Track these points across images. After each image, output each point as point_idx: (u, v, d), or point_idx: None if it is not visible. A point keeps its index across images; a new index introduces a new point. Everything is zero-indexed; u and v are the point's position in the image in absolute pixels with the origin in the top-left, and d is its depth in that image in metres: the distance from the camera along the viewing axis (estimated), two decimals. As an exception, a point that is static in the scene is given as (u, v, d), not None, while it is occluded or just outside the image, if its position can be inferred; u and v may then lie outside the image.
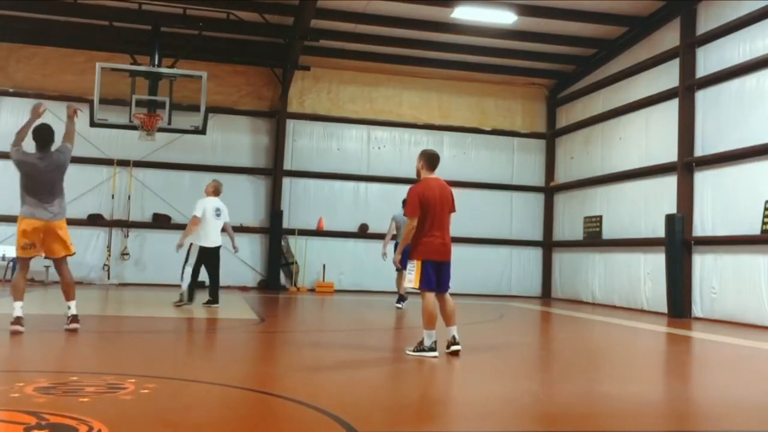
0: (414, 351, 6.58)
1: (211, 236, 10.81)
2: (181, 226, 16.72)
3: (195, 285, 10.99)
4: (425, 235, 6.60)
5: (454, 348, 6.59)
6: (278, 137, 17.38)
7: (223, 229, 10.97)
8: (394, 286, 17.17)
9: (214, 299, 11.00)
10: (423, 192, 6.69)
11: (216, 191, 11.07)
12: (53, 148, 7.55)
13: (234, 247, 11.43)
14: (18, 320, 6.96)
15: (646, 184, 14.57)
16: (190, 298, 10.89)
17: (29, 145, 7.42)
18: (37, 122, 7.61)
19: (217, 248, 10.92)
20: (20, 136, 7.57)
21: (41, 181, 7.32)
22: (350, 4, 14.51)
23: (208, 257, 10.84)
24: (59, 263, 7.40)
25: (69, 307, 7.28)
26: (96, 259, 16.60)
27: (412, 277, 6.62)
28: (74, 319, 7.21)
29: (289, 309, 12.67)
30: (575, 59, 17.15)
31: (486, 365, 6.55)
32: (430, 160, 7.03)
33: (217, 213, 10.82)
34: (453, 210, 6.88)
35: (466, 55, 16.90)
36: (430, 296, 6.62)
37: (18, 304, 7.06)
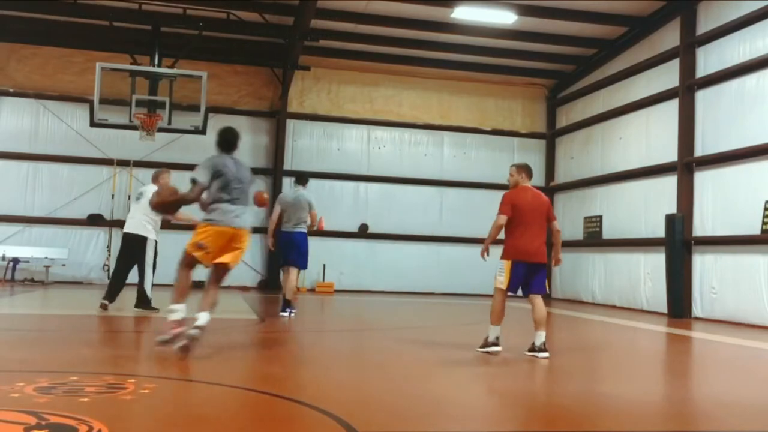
0: (481, 347, 6.93)
1: (129, 221, 9.60)
2: (181, 226, 16.75)
3: (115, 282, 9.65)
4: (516, 237, 6.88)
5: (535, 354, 6.76)
6: (278, 137, 17.39)
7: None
8: (394, 286, 17.26)
9: (139, 301, 9.58)
10: (515, 197, 7.00)
11: (154, 178, 9.87)
12: None
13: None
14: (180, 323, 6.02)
15: (646, 184, 14.57)
16: (109, 298, 9.53)
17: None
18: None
19: (135, 237, 9.45)
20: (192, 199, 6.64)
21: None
22: (350, 4, 14.51)
23: (124, 247, 9.58)
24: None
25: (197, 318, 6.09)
26: (96, 259, 16.59)
27: (502, 279, 6.89)
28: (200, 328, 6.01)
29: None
30: (575, 59, 17.15)
31: (486, 365, 6.55)
32: (528, 171, 7.33)
33: (137, 197, 9.75)
34: (552, 218, 7.19)
35: (466, 55, 16.90)
36: (502, 294, 6.91)
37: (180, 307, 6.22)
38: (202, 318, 6.04)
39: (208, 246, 6.35)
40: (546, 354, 6.73)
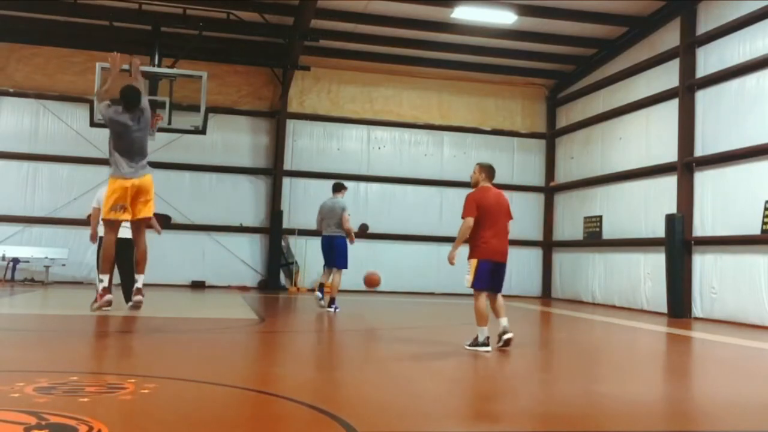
0: (470, 345, 7.07)
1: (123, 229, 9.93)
2: (181, 226, 16.82)
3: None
4: (487, 238, 7.06)
5: (506, 337, 7.09)
6: (278, 137, 17.39)
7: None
8: (393, 286, 17.25)
9: (129, 298, 9.65)
10: (480, 198, 7.17)
11: None
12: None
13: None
14: (106, 290, 7.13)
15: (646, 184, 14.57)
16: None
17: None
18: (119, 81, 7.45)
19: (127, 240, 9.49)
20: (106, 91, 7.49)
21: (133, 141, 7.31)
22: (350, 4, 14.51)
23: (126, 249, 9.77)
24: (140, 227, 7.43)
25: (136, 281, 7.30)
26: (95, 259, 16.58)
27: (469, 277, 7.08)
28: (138, 291, 7.25)
29: (289, 309, 12.66)
30: (575, 59, 17.15)
31: (486, 366, 6.55)
32: (490, 171, 7.41)
33: None
34: (510, 217, 7.37)
35: (466, 55, 16.90)
36: (482, 296, 7.07)
37: (106, 277, 7.19)
38: (140, 280, 7.35)
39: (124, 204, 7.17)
40: (510, 334, 7.07)
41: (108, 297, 7.12)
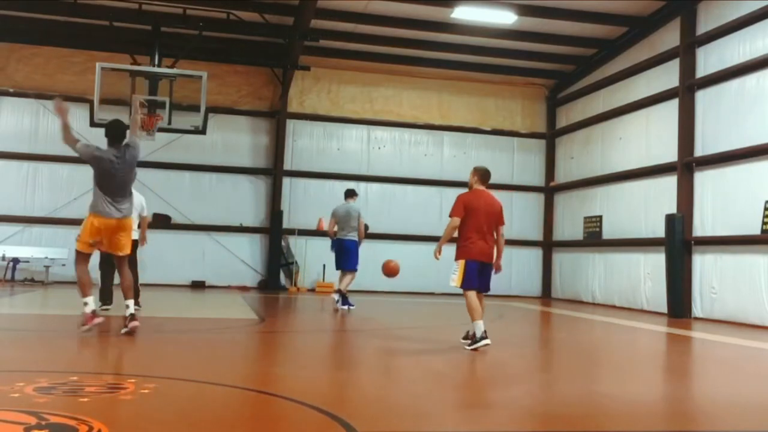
0: (471, 345, 7.11)
1: None
2: (181, 226, 16.82)
3: (103, 290, 10.13)
4: (473, 240, 7.24)
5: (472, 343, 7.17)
6: (278, 137, 17.39)
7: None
8: (393, 286, 17.24)
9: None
10: (468, 200, 7.38)
11: None
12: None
13: (141, 239, 10.17)
14: (94, 314, 7.03)
15: (646, 184, 14.57)
16: (104, 300, 9.96)
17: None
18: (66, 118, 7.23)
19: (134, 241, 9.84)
20: (70, 137, 7.18)
21: (116, 178, 7.10)
22: (350, 4, 14.51)
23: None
24: (121, 261, 7.39)
25: (127, 306, 7.22)
26: (96, 258, 16.46)
27: (455, 277, 7.24)
28: (132, 318, 7.17)
29: (289, 309, 12.67)
30: (575, 59, 17.15)
31: (485, 365, 6.55)
32: (483, 174, 7.59)
33: None
34: (501, 223, 7.49)
35: (466, 55, 16.90)
36: (471, 293, 7.20)
37: (90, 299, 7.06)
38: (131, 305, 7.25)
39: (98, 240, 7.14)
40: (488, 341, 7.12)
41: (98, 320, 7.01)
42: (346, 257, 11.65)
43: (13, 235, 15.94)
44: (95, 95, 13.74)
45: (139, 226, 10.04)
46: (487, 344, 7.03)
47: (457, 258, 7.31)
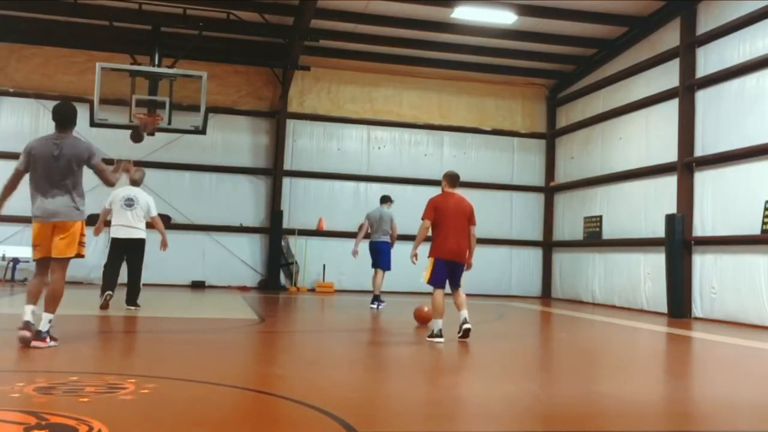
0: (429, 337, 7.61)
1: (126, 228, 10.07)
2: (181, 226, 16.81)
3: (105, 282, 10.01)
4: (442, 238, 7.69)
5: (465, 327, 7.58)
6: (278, 137, 17.39)
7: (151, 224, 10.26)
8: (394, 287, 17.25)
9: (130, 299, 10.03)
10: (437, 202, 7.87)
11: (133, 181, 10.42)
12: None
13: (163, 243, 10.33)
14: (27, 325, 6.12)
15: (646, 184, 14.57)
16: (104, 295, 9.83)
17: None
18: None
19: (130, 240, 10.02)
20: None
21: (51, 170, 6.44)
22: (350, 4, 14.51)
23: (120, 249, 10.09)
24: (54, 267, 6.46)
25: (41, 317, 6.23)
26: (96, 259, 16.54)
27: (425, 273, 7.73)
28: (27, 325, 6.14)
29: (289, 309, 12.67)
30: (575, 59, 17.15)
31: (486, 365, 6.56)
32: (451, 179, 8.09)
33: (128, 203, 10.18)
34: (472, 223, 7.98)
35: (466, 55, 16.90)
36: (438, 292, 7.68)
37: (29, 308, 6.28)
38: (44, 320, 6.22)
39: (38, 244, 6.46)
40: (468, 325, 7.56)
41: (23, 334, 6.06)
42: (380, 258, 12.59)
43: (13, 235, 15.92)
44: (95, 95, 13.73)
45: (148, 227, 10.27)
46: (440, 342, 7.38)
47: (429, 255, 7.76)
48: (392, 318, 11.37)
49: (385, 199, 12.94)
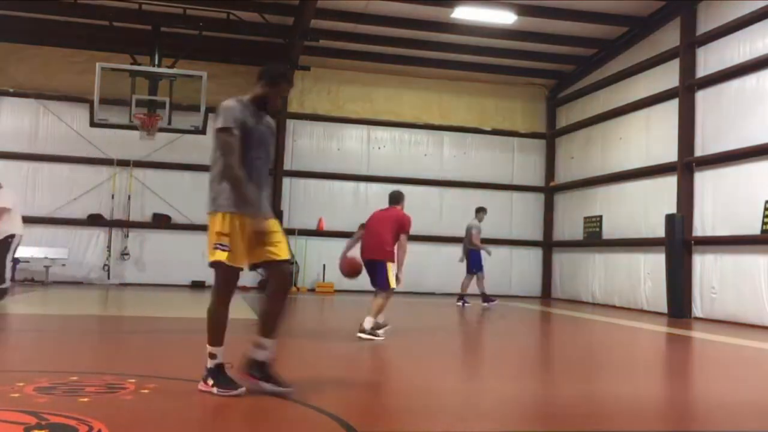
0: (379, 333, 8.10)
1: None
2: (181, 226, 16.81)
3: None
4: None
5: (357, 334, 8.02)
6: (278, 137, 17.38)
7: None
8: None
9: None
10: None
11: None
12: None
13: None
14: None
15: (646, 184, 14.57)
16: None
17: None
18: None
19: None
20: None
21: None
22: (350, 4, 14.51)
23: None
24: None
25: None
26: (96, 259, 16.61)
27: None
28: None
29: (289, 309, 12.65)
30: (575, 59, 17.15)
31: (486, 365, 6.55)
32: (390, 198, 9.18)
33: None
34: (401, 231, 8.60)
35: (466, 55, 16.90)
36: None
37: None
38: None
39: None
40: (360, 334, 7.90)
41: None
42: (471, 261, 13.84)
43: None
44: (95, 95, 13.75)
45: None
46: (376, 339, 7.89)
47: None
48: (393, 318, 11.34)
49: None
